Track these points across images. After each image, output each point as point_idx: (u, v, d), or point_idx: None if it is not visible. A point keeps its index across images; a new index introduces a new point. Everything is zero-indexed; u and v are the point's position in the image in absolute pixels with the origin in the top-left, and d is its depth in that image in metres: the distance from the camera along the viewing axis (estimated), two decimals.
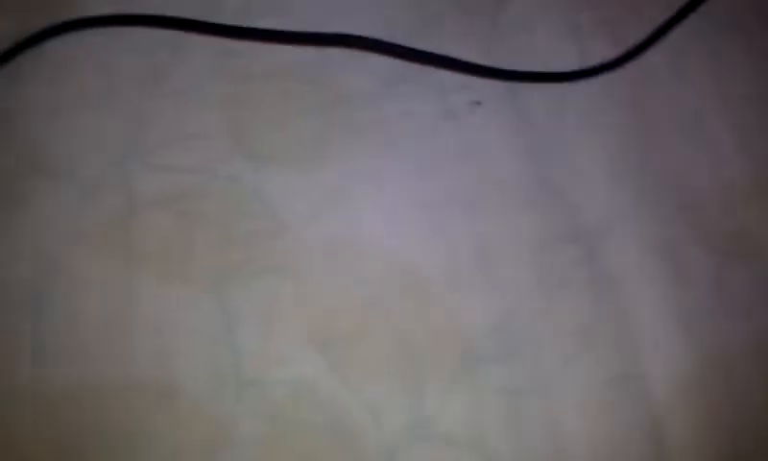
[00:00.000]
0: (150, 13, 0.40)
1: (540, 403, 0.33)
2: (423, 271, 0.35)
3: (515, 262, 0.36)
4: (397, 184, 0.37)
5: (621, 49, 0.42)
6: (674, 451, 0.32)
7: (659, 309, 0.35)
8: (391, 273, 0.35)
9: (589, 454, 0.32)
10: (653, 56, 0.42)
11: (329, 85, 0.40)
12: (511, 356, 0.34)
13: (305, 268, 0.35)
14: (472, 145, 0.39)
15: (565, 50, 0.42)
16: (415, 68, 0.40)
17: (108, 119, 0.38)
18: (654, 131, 0.40)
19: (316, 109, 0.39)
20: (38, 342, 0.32)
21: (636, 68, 0.42)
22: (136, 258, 0.34)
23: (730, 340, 0.35)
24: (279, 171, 0.37)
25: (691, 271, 0.36)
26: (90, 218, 0.35)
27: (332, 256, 0.35)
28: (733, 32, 0.43)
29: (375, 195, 0.37)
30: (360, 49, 0.40)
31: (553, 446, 0.32)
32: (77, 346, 0.33)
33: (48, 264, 0.34)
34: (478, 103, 0.40)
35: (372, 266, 0.35)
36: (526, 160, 0.38)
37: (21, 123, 0.37)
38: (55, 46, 0.39)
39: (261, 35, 0.40)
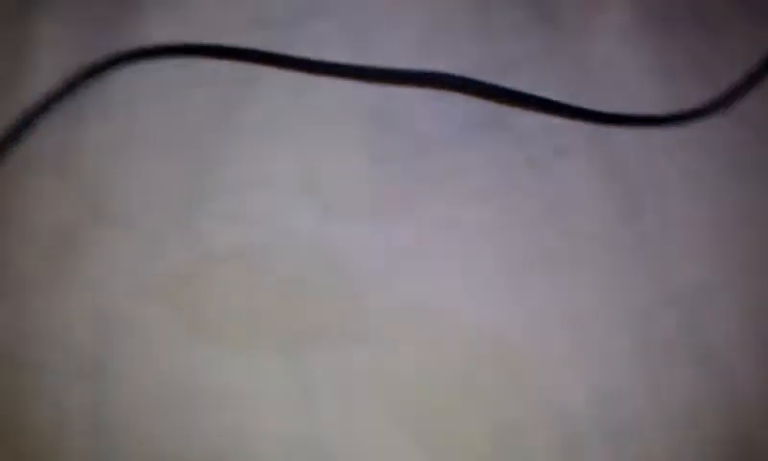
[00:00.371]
0: (221, 44, 0.38)
1: None
2: (512, 340, 0.32)
3: (609, 330, 0.33)
4: (477, 242, 0.34)
5: (714, 92, 0.39)
6: None
7: None
8: (475, 343, 0.32)
9: None
10: (748, 100, 0.39)
11: (405, 130, 0.37)
12: (617, 436, 0.30)
13: (382, 335, 0.32)
14: (559, 196, 0.36)
15: (656, 92, 0.39)
16: (492, 114, 0.38)
17: (172, 160, 0.35)
18: (755, 182, 0.37)
19: (392, 156, 0.36)
20: (100, 417, 0.30)
21: (730, 113, 0.39)
22: (201, 320, 0.32)
23: None
24: (353, 224, 0.34)
25: None
26: (151, 274, 0.33)
27: (409, 323, 0.32)
28: None
29: (453, 254, 0.34)
30: (441, 88, 0.38)
31: None
32: (140, 423, 0.30)
33: (109, 328, 0.31)
34: (563, 150, 0.37)
35: (454, 334, 0.32)
36: (618, 214, 0.35)
37: (80, 164, 0.35)
38: (118, 78, 0.37)
39: (339, 70, 0.38)
